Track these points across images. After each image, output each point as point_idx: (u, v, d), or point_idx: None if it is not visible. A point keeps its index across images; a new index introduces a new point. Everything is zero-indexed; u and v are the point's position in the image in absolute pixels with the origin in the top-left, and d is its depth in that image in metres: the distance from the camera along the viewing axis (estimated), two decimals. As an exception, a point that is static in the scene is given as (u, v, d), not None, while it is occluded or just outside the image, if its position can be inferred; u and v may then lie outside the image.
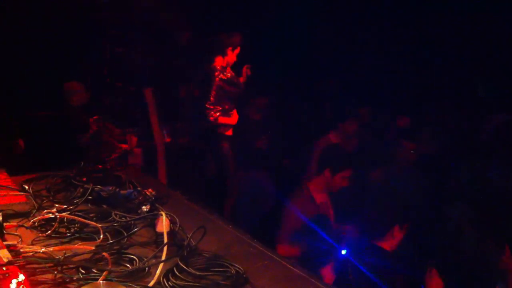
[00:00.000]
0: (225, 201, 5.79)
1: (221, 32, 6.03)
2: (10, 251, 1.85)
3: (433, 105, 6.17)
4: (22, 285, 1.61)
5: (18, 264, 1.78)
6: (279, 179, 5.77)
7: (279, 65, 6.84)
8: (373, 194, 4.57)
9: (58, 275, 1.82)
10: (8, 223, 2.20)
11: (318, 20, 6.84)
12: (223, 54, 5.96)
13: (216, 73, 5.93)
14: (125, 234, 2.20)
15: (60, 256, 1.89)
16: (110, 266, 1.88)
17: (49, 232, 2.19)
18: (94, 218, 2.34)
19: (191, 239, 2.11)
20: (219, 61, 5.96)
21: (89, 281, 1.78)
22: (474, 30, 6.19)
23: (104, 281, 1.77)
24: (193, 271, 1.90)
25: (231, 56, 5.99)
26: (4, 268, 1.70)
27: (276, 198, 5.73)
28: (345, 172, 4.23)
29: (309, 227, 3.92)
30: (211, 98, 5.92)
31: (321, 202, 4.35)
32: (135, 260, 1.98)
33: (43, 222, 2.27)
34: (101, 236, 2.13)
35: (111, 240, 2.14)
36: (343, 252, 3.59)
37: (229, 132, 6.05)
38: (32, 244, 2.06)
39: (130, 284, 1.79)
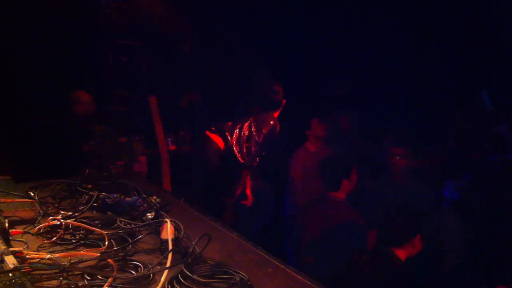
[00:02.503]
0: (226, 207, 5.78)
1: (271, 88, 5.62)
2: (16, 257, 1.86)
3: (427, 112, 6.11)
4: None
5: (24, 270, 1.80)
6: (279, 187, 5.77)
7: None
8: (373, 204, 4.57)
9: (64, 282, 1.82)
10: (14, 230, 2.22)
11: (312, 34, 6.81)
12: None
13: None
14: (130, 241, 2.22)
15: (66, 263, 1.90)
16: (115, 273, 1.88)
17: (54, 238, 2.21)
18: (99, 225, 2.36)
19: (196, 246, 2.12)
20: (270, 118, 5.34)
21: (95, 288, 1.80)
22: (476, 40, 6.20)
23: (109, 288, 1.78)
24: (197, 278, 1.91)
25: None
26: (10, 274, 1.72)
27: (276, 207, 5.77)
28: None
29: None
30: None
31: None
32: (140, 267, 1.99)
33: (48, 229, 2.29)
34: (106, 243, 2.14)
35: (116, 247, 2.15)
36: None
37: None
38: (38, 251, 2.07)
39: (135, 290, 1.80)
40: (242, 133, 5.33)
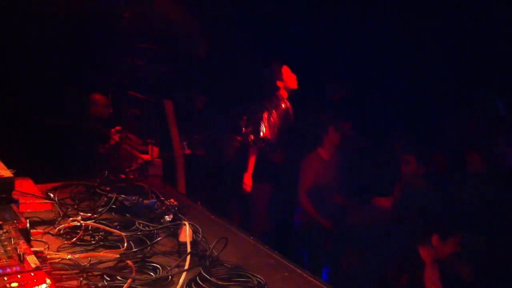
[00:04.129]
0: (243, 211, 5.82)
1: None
2: (37, 257, 1.89)
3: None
4: (49, 290, 1.65)
5: (45, 270, 1.82)
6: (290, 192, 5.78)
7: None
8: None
9: (84, 282, 1.85)
10: (35, 230, 2.25)
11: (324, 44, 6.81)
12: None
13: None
14: (149, 243, 2.24)
15: (86, 263, 1.94)
16: (134, 274, 1.91)
17: (74, 239, 2.24)
18: (118, 227, 2.39)
19: (213, 249, 2.14)
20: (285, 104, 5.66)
21: (114, 288, 1.82)
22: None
23: (128, 289, 1.81)
24: (215, 281, 1.93)
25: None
26: (32, 274, 1.75)
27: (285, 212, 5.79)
28: None
29: None
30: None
31: None
32: (159, 269, 2.01)
33: (68, 230, 2.32)
34: (125, 244, 2.17)
35: (135, 248, 2.18)
36: None
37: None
38: (58, 251, 2.10)
39: (154, 292, 1.82)
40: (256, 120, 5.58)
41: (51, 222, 2.43)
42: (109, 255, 2.06)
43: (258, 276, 1.99)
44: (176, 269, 2.01)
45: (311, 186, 5.45)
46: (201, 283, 1.91)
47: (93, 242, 2.25)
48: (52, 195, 2.74)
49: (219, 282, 1.93)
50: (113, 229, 2.30)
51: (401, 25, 6.17)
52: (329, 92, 6.77)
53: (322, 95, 6.81)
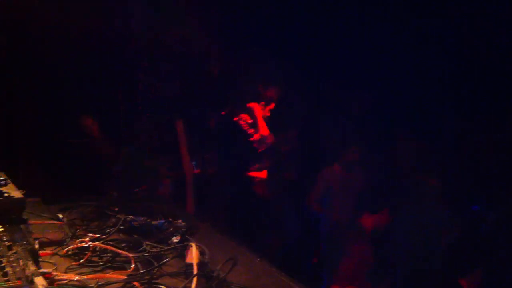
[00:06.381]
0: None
1: (259, 83, 5.87)
2: (45, 278, 1.90)
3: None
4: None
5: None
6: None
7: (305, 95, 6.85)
8: None
9: (91, 304, 1.86)
10: (43, 251, 2.26)
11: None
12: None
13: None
14: (156, 264, 2.24)
15: (93, 285, 1.94)
16: (141, 296, 1.91)
17: (82, 260, 2.25)
18: (126, 248, 2.39)
19: (220, 271, 2.14)
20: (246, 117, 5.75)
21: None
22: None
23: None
24: (222, 303, 1.92)
25: (264, 110, 5.75)
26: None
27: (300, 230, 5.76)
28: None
29: None
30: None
31: None
32: (166, 291, 2.01)
33: (76, 251, 2.33)
34: (133, 265, 2.17)
35: (142, 270, 2.18)
36: None
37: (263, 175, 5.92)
38: (66, 272, 2.11)
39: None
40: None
41: (59, 243, 2.43)
42: (117, 277, 2.07)
43: (266, 297, 1.99)
44: (183, 291, 2.01)
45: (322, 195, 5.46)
46: (207, 305, 1.91)
47: (100, 263, 2.26)
48: (61, 216, 2.75)
49: (226, 304, 1.93)
50: (120, 250, 2.30)
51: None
52: (353, 104, 6.77)
53: (343, 105, 6.81)
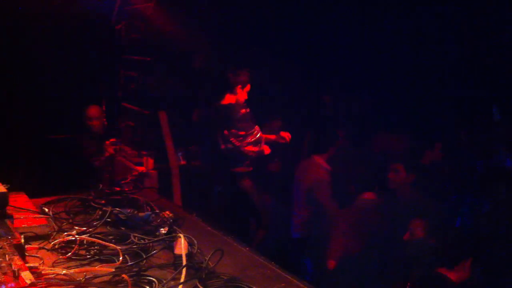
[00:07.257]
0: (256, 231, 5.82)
1: (228, 71, 5.84)
2: (32, 273, 1.88)
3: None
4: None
5: (40, 286, 1.82)
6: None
7: (290, 86, 6.85)
8: None
9: (79, 297, 1.84)
10: (29, 245, 2.23)
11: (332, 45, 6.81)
12: (233, 92, 5.68)
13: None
14: (144, 256, 2.23)
15: (81, 278, 1.93)
16: (129, 288, 1.90)
17: (69, 254, 2.23)
18: (113, 240, 2.37)
19: (209, 261, 2.13)
20: (228, 99, 5.70)
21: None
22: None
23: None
24: (211, 293, 1.92)
25: (241, 94, 5.67)
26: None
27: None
28: None
29: None
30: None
31: None
32: (154, 282, 2.00)
33: (63, 245, 2.31)
34: (120, 258, 2.16)
35: (130, 262, 2.17)
36: None
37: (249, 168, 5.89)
38: (53, 266, 2.09)
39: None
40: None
41: (46, 237, 2.41)
42: (105, 270, 2.05)
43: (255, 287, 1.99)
44: (172, 282, 2.00)
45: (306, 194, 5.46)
46: (197, 296, 1.91)
47: (88, 256, 2.24)
48: (46, 210, 2.72)
49: (216, 295, 1.93)
50: (108, 243, 2.28)
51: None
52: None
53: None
